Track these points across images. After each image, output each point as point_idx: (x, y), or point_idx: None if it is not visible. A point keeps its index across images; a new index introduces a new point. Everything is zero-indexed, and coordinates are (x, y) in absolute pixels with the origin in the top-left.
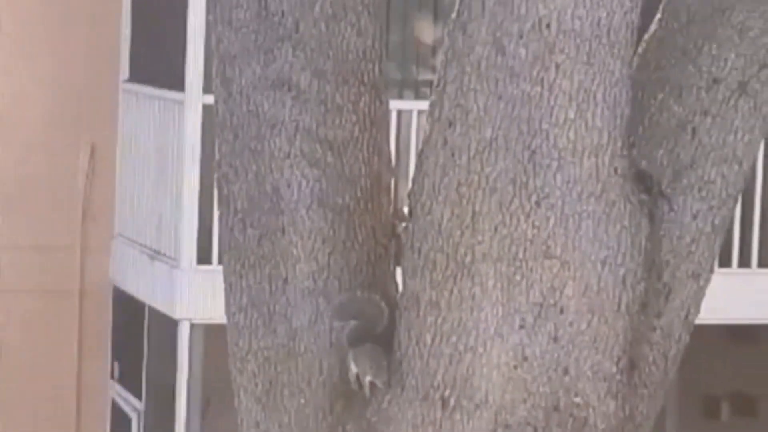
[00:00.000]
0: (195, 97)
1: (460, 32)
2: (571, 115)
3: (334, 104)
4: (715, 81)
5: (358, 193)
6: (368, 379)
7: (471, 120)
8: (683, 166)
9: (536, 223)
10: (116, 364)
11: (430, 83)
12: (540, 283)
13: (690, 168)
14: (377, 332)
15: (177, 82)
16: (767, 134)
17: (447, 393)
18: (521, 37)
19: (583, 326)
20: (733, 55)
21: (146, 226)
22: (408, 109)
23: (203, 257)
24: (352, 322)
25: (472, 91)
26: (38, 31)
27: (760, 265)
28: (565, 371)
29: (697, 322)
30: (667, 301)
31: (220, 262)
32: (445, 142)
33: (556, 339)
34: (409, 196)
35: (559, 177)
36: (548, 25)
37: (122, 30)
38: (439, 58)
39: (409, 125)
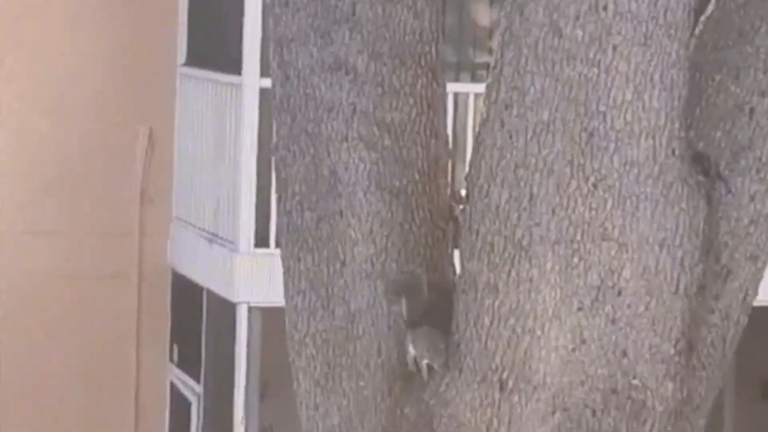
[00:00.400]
0: (252, 81)
1: (516, 14)
2: (629, 96)
3: (391, 87)
4: None
5: (416, 176)
6: (426, 362)
7: (528, 102)
8: (741, 147)
9: (594, 205)
10: (175, 348)
11: (486, 66)
12: (598, 265)
13: (748, 149)
14: (423, 304)
15: (234, 66)
16: None
17: (505, 375)
18: (578, 18)
19: (641, 308)
20: None
21: (204, 209)
22: (465, 91)
23: (261, 240)
24: (404, 303)
25: (529, 73)
26: (95, 15)
27: None
28: (624, 353)
29: (755, 303)
30: (725, 283)
31: (277, 245)
32: (502, 124)
33: (614, 321)
34: (466, 178)
35: (616, 159)
36: (605, 7)
37: (179, 14)
38: (496, 40)
39: (465, 108)
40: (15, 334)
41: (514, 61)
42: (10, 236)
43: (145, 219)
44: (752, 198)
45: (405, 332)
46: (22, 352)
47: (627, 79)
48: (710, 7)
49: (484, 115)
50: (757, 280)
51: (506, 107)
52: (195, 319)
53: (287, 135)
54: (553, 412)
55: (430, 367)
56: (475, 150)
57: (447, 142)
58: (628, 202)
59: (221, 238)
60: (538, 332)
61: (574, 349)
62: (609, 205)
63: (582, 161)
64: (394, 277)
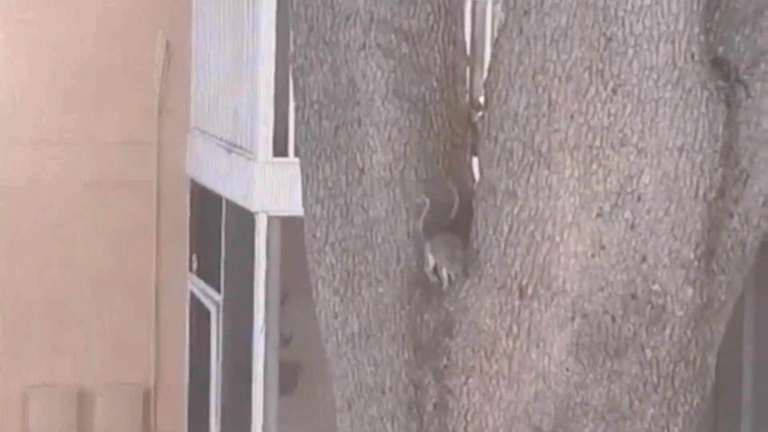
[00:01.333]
0: None
1: None
2: (647, 1)
3: None
4: None
5: (434, 83)
6: (445, 270)
7: (546, 8)
8: (760, 51)
9: (612, 111)
10: (194, 257)
11: None
12: (617, 171)
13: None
14: (449, 219)
15: None
16: None
17: (524, 282)
18: None
19: (661, 213)
20: None
21: (222, 119)
22: None
23: (279, 149)
24: (425, 212)
25: None
26: None
27: None
28: (643, 259)
29: None
30: (744, 187)
31: (296, 154)
32: (521, 30)
33: (633, 227)
34: (484, 85)
35: (635, 64)
36: None
37: None
38: None
39: (483, 14)
40: (35, 241)
41: None
42: (31, 145)
43: (163, 129)
44: None
45: (424, 241)
46: (42, 259)
47: None
48: None
49: (503, 22)
50: None
51: (525, 13)
52: (214, 228)
53: (305, 43)
54: (573, 318)
55: (449, 275)
56: (494, 56)
57: (465, 49)
58: (648, 107)
59: (240, 148)
60: (557, 238)
61: (593, 255)
62: (628, 110)
63: (601, 67)
64: (424, 187)
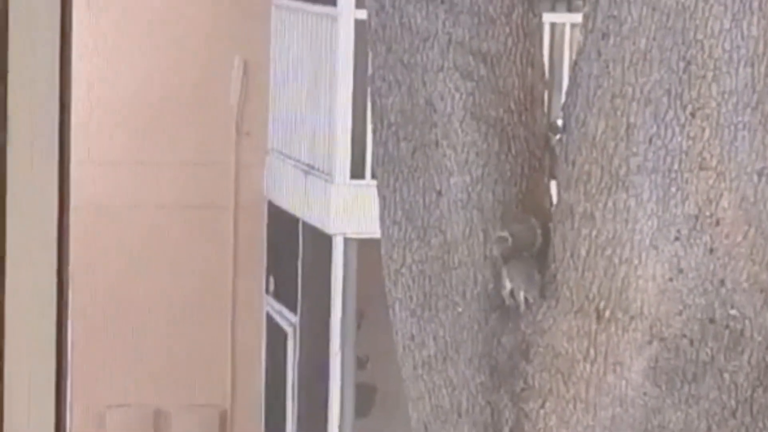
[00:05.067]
0: (347, 12)
1: None
2: (727, 25)
3: (487, 16)
4: None
5: (512, 106)
6: (522, 294)
7: (625, 31)
8: None
9: (691, 135)
10: (271, 279)
11: None
12: (695, 194)
13: None
14: (531, 253)
15: None
16: None
17: (602, 305)
18: None
19: (739, 238)
20: None
21: (300, 141)
22: (561, 22)
23: (357, 171)
24: (506, 247)
25: (626, 1)
26: None
27: None
28: (721, 283)
29: None
30: None
31: (373, 176)
32: (599, 53)
33: (711, 251)
34: (562, 108)
35: (714, 88)
36: None
37: None
38: None
39: (562, 38)
40: (112, 262)
41: None
42: (107, 166)
43: (241, 151)
44: None
45: (501, 265)
46: (119, 280)
47: (725, 7)
48: None
49: (581, 45)
50: None
51: (603, 36)
52: (291, 250)
53: (383, 65)
54: (650, 342)
55: (526, 298)
56: (572, 80)
57: (543, 71)
58: (726, 131)
59: (317, 170)
60: (635, 262)
61: (671, 279)
62: (707, 134)
63: (679, 90)
64: (508, 224)
